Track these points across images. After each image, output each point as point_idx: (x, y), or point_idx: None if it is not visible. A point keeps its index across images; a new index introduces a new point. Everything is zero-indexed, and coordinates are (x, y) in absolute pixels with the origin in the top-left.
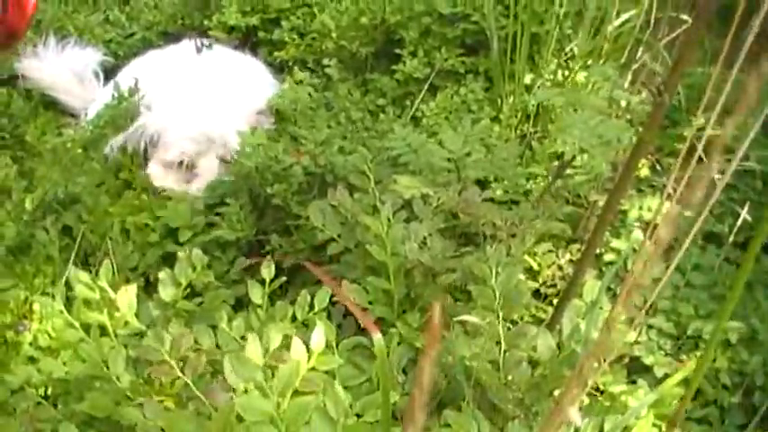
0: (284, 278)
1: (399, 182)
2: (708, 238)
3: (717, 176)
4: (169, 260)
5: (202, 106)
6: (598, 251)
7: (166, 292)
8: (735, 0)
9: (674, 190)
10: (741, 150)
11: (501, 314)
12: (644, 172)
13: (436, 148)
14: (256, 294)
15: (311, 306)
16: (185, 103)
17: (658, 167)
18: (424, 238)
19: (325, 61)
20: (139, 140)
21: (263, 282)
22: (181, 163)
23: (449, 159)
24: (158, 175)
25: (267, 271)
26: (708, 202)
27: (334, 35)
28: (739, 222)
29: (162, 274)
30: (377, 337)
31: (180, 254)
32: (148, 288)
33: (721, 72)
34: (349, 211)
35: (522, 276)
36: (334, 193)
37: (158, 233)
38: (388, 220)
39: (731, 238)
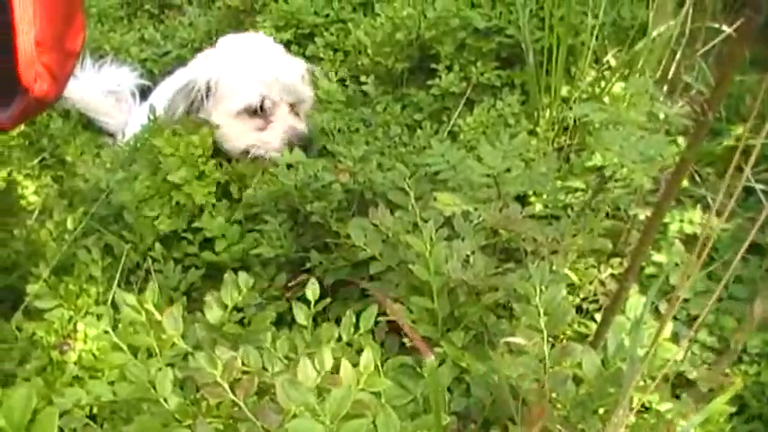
0: (329, 299)
1: (439, 199)
2: (750, 248)
3: (761, 187)
4: (210, 277)
5: (268, 54)
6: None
7: (212, 315)
8: None
9: (713, 201)
10: None
11: (545, 332)
12: (684, 182)
13: (475, 164)
14: (301, 315)
15: (356, 326)
16: (250, 52)
17: (697, 178)
18: (467, 256)
19: (363, 78)
20: (192, 94)
21: (306, 301)
22: (255, 111)
23: (488, 175)
24: (228, 127)
25: (312, 291)
26: (746, 212)
27: (369, 51)
28: None
29: (208, 297)
30: (429, 359)
31: (226, 276)
32: (190, 304)
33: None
34: (390, 230)
35: (564, 292)
36: (374, 211)
37: (196, 245)
38: (431, 238)
39: None
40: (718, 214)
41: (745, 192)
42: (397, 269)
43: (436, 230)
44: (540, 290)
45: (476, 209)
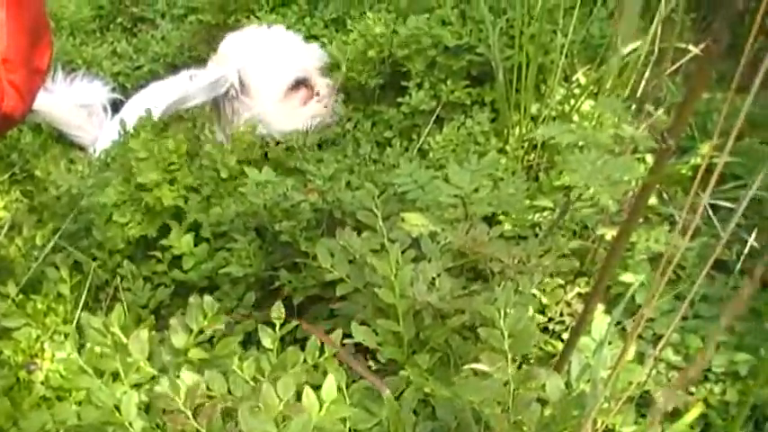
0: (295, 322)
1: (407, 220)
2: (716, 265)
3: (730, 205)
4: (180, 295)
5: (290, 39)
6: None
7: (178, 339)
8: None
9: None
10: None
11: (509, 355)
12: (651, 200)
13: (443, 185)
14: (267, 339)
15: (321, 350)
16: (273, 39)
17: (665, 195)
18: (433, 278)
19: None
20: (222, 88)
21: (272, 324)
22: (297, 85)
23: (456, 195)
24: (277, 112)
25: (277, 313)
26: (712, 230)
27: (342, 68)
28: (746, 250)
29: (173, 321)
30: (386, 394)
31: (191, 300)
32: (160, 321)
33: (729, 96)
34: (357, 251)
35: (531, 313)
36: (341, 232)
37: (165, 263)
38: (397, 260)
39: (739, 266)
40: (684, 233)
41: (712, 209)
42: (364, 290)
43: (403, 252)
44: (505, 313)
45: (443, 229)
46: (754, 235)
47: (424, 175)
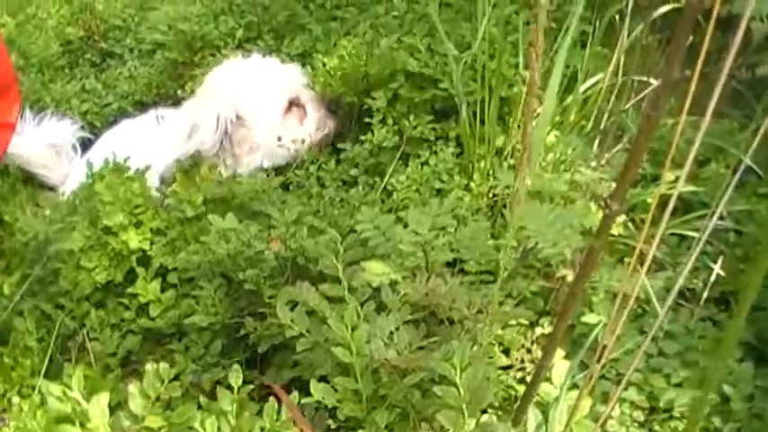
0: (251, 386)
1: (368, 269)
2: (683, 295)
3: (694, 234)
4: (148, 341)
5: (272, 63)
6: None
7: (136, 405)
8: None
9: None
10: (719, 208)
11: (466, 412)
12: (618, 230)
13: (403, 233)
14: (226, 402)
15: (279, 412)
16: (256, 66)
17: (631, 226)
18: (391, 332)
19: None
20: (222, 125)
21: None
22: (290, 107)
23: (416, 242)
24: (274, 135)
25: (235, 378)
26: (677, 260)
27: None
28: (713, 278)
29: (131, 388)
30: None
31: (147, 367)
32: (129, 366)
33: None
34: (317, 306)
35: (492, 358)
36: (301, 286)
37: (133, 309)
38: (357, 312)
39: (705, 294)
40: (648, 267)
41: (679, 238)
42: (324, 344)
43: (363, 303)
44: (462, 369)
45: (404, 278)
46: (719, 263)
47: (386, 221)
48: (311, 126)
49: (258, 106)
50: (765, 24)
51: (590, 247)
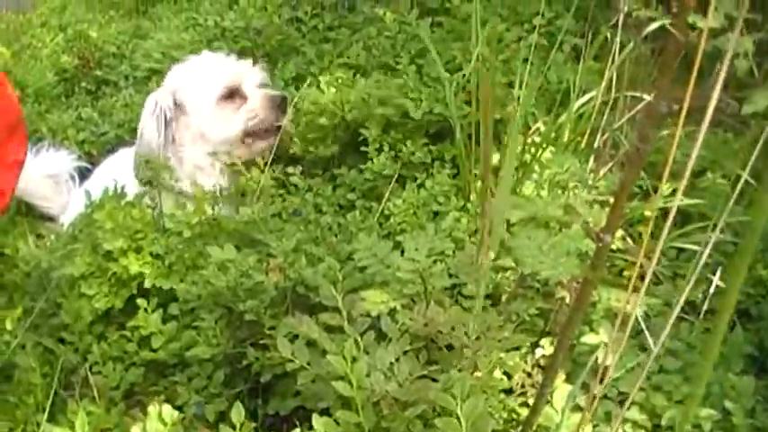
0: (253, 425)
1: (367, 298)
2: (682, 307)
3: (694, 247)
4: (151, 372)
5: (221, 55)
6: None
7: None
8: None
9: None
10: (720, 223)
11: None
12: (616, 244)
13: (401, 261)
14: None
15: None
16: (204, 58)
17: (629, 240)
18: (391, 363)
19: (290, 169)
20: (161, 112)
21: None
22: (231, 95)
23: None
24: (213, 119)
25: (236, 415)
26: (676, 272)
27: (296, 140)
28: (712, 289)
29: (134, 430)
30: None
31: (150, 409)
32: (133, 398)
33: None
34: (316, 339)
35: (493, 386)
36: (301, 318)
37: (135, 341)
38: (357, 344)
39: (705, 306)
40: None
41: (678, 250)
42: (325, 377)
43: (363, 333)
44: (463, 399)
45: (404, 306)
46: (718, 274)
47: (384, 248)
48: (244, 114)
49: (194, 93)
50: (747, 62)
51: (584, 278)
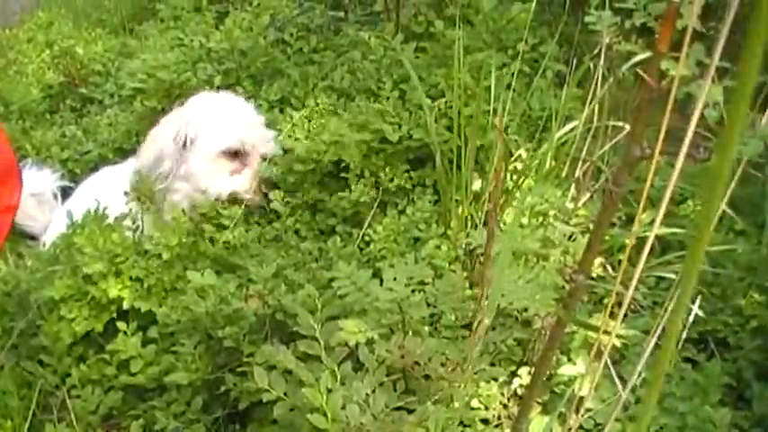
0: None
1: (345, 327)
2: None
3: (672, 276)
4: (130, 395)
5: (242, 107)
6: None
7: None
8: None
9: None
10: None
11: None
12: (595, 272)
13: (379, 291)
14: None
15: None
16: (226, 104)
17: (608, 267)
18: (367, 394)
19: (271, 195)
20: (180, 142)
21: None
22: (233, 155)
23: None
24: (205, 170)
25: None
26: (655, 301)
27: (275, 168)
28: (691, 318)
29: None
30: None
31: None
32: (110, 421)
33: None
34: (293, 369)
35: (470, 419)
36: (278, 348)
37: (114, 365)
38: (334, 375)
39: (684, 334)
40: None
41: (657, 278)
42: (302, 407)
43: (340, 363)
44: None
45: (381, 335)
46: (697, 303)
47: (363, 277)
48: (237, 185)
49: (200, 134)
50: (718, 111)
51: (557, 320)
